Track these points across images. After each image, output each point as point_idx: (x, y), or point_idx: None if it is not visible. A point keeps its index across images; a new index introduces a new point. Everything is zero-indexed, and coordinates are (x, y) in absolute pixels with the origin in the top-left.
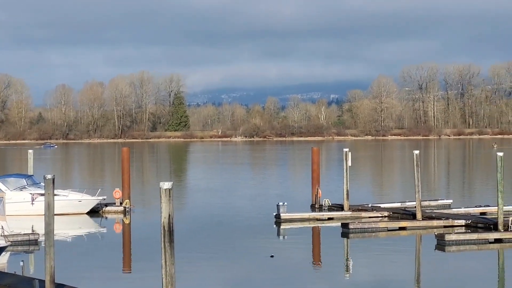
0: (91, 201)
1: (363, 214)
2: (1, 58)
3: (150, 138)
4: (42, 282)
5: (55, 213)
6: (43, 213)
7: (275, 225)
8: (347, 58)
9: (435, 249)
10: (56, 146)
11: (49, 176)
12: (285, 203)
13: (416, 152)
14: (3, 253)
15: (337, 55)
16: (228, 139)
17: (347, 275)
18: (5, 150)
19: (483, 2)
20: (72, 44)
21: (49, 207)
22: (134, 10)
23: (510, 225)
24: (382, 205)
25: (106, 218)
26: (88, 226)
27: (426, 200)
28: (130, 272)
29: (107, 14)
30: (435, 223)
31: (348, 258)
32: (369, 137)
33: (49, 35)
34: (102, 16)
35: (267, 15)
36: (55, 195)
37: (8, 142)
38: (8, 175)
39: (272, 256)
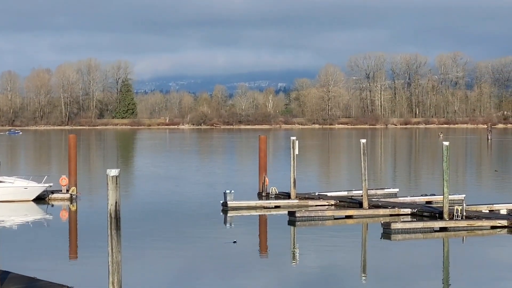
0: (37, 188)
1: (310, 202)
2: None
3: (97, 126)
4: None
5: (0, 200)
6: None
7: (222, 213)
8: (295, 47)
9: (381, 238)
10: (20, 133)
11: None
12: (232, 191)
13: (363, 141)
14: None
15: (285, 43)
16: (176, 126)
17: (294, 263)
18: None
19: None
20: (18, 30)
21: None
22: None
23: (455, 214)
24: (329, 194)
25: (53, 205)
26: (34, 213)
27: (372, 189)
28: (77, 259)
29: (54, 0)
30: (381, 211)
31: (294, 247)
32: (317, 126)
33: None
34: (48, 2)
35: (215, 3)
36: (1, 182)
37: None
38: None
39: (235, 242)
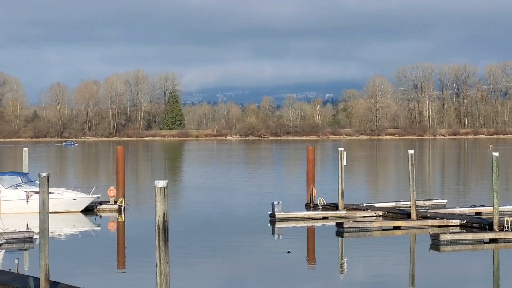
0: (85, 199)
1: (358, 213)
2: None
3: (145, 137)
4: (37, 279)
5: (49, 211)
6: (38, 211)
7: (269, 224)
8: (342, 58)
9: (429, 249)
10: (77, 144)
11: (44, 174)
12: (280, 202)
13: (411, 151)
14: None
15: (332, 54)
16: (223, 138)
17: (342, 274)
18: (0, 148)
19: (479, 2)
20: (67, 42)
21: (44, 205)
22: (129, 9)
23: (505, 225)
24: (376, 205)
25: (101, 216)
26: (83, 224)
27: (420, 200)
28: (125, 270)
29: (102, 13)
30: (429, 222)
31: (342, 258)
32: (364, 137)
33: (44, 33)
34: (97, 15)
35: (262, 14)
36: (50, 193)
37: (3, 140)
38: (3, 173)
39: (289, 252)
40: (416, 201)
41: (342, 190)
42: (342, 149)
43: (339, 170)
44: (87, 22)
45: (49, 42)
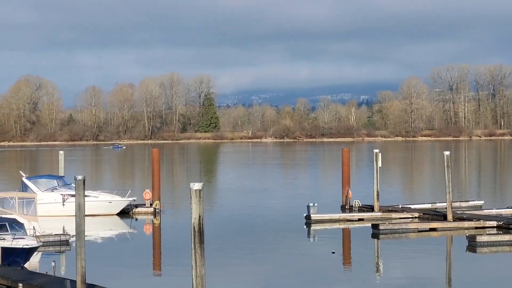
0: (121, 202)
1: (394, 215)
2: (32, 60)
3: (180, 139)
4: (73, 282)
5: (85, 214)
6: (74, 214)
7: (305, 226)
8: (377, 59)
9: (466, 251)
10: (124, 147)
11: (80, 177)
12: (315, 204)
13: (447, 153)
14: (35, 253)
15: (367, 56)
16: (258, 140)
17: (378, 275)
18: (37, 151)
19: None
20: (102, 46)
21: (80, 208)
22: (163, 12)
23: None
24: (412, 206)
25: (136, 219)
26: (119, 227)
27: (457, 201)
28: (160, 273)
29: (136, 16)
30: (466, 224)
31: (378, 259)
32: (399, 138)
33: (79, 37)
34: (131, 18)
35: (297, 17)
36: (86, 196)
37: (39, 143)
38: (39, 176)
39: (333, 253)
40: (452, 203)
41: (377, 191)
42: (377, 150)
43: (374, 171)
44: (122, 26)
45: (84, 45)
